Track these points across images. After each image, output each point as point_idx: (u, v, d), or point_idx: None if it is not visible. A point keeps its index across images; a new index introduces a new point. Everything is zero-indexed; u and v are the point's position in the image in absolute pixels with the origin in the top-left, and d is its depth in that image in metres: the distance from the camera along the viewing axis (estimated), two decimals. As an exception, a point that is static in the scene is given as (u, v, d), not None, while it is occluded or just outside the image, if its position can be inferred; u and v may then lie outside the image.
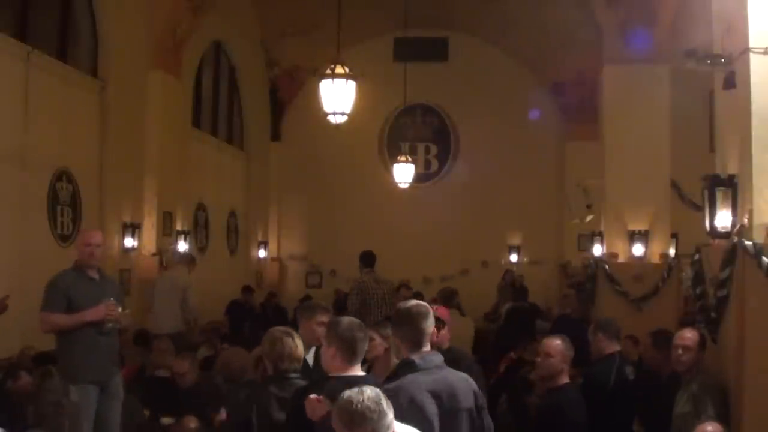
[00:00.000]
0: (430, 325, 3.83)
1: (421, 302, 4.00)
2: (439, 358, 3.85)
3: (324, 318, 5.07)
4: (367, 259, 9.06)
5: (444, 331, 4.93)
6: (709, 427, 4.25)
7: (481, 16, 16.04)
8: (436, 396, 3.64)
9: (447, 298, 8.45)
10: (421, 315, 3.82)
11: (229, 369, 6.19)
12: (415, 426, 3.29)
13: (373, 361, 4.96)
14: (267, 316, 13.89)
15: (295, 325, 5.02)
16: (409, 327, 3.80)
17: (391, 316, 4.10)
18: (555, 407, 5.04)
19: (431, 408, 3.59)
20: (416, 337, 3.78)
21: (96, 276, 6.14)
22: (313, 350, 5.01)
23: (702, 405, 4.94)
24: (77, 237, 6.34)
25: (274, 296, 15.33)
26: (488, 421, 3.94)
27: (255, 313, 13.73)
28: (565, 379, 5.16)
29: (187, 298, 10.07)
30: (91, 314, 5.87)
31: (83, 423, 5.67)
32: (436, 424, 3.59)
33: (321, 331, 4.87)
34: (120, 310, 6.03)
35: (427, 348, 3.82)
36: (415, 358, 3.75)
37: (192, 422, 5.40)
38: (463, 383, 3.85)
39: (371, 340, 4.71)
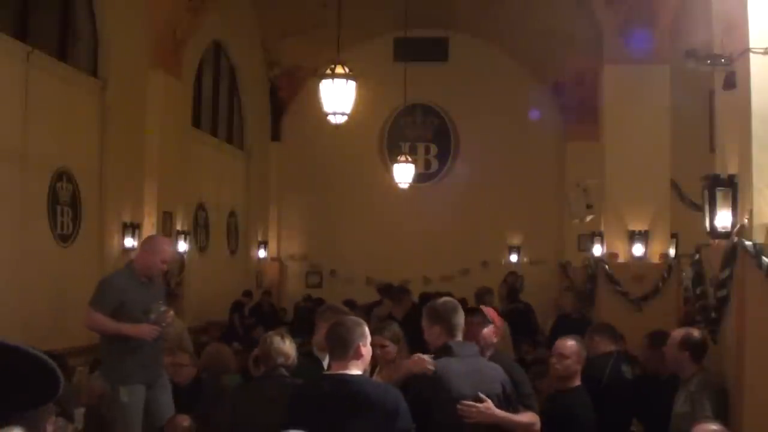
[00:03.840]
0: (460, 318, 4.25)
1: (450, 299, 4.46)
2: (473, 349, 4.27)
3: None
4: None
5: (488, 330, 4.79)
6: (713, 426, 4.22)
7: (482, 16, 16.03)
8: (465, 379, 4.06)
9: (480, 297, 8.50)
10: (450, 310, 4.25)
11: (211, 365, 6.20)
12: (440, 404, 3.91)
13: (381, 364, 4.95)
14: (263, 315, 13.95)
15: (293, 325, 5.02)
16: (442, 320, 4.21)
17: (426, 311, 4.37)
18: (574, 409, 5.00)
19: (456, 391, 4.00)
20: (449, 329, 4.19)
21: (146, 280, 6.06)
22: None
23: (700, 405, 4.94)
24: (151, 245, 6.15)
25: (268, 294, 15.37)
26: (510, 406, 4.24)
27: (246, 316, 13.86)
28: (577, 382, 5.14)
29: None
30: (133, 331, 5.77)
31: (135, 423, 5.70)
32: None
33: None
34: (172, 314, 6.00)
35: (459, 338, 4.22)
36: (452, 344, 4.17)
37: (185, 420, 5.38)
38: (492, 372, 4.26)
39: (383, 346, 4.71)
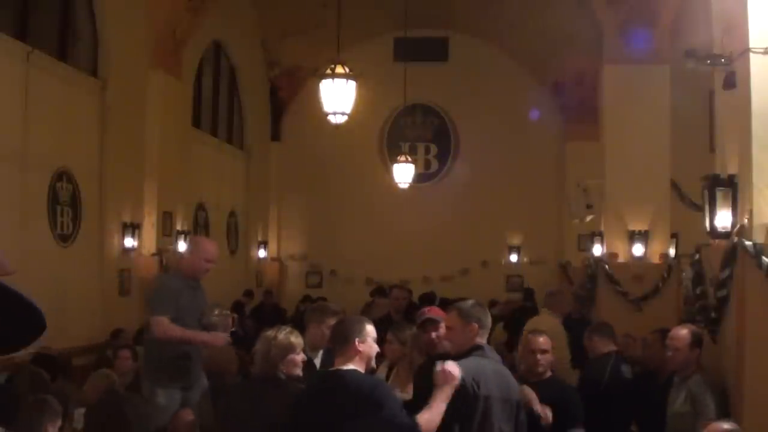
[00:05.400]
0: (489, 319, 4.36)
1: (477, 302, 4.48)
2: (496, 353, 4.38)
3: (333, 321, 5.07)
4: None
5: (440, 332, 4.83)
6: (726, 426, 4.21)
7: (481, 16, 16.04)
8: (494, 381, 4.11)
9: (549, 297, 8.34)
10: (481, 310, 4.34)
11: (214, 368, 6.18)
12: (465, 401, 3.91)
13: (396, 364, 4.97)
14: (264, 315, 13.96)
15: (294, 323, 5.01)
16: (478, 319, 4.26)
17: (458, 311, 4.36)
18: (568, 393, 5.09)
19: (485, 390, 4.04)
20: (482, 329, 4.26)
21: (194, 283, 5.98)
22: (321, 353, 5.00)
23: (702, 405, 4.93)
24: (194, 245, 6.09)
25: (270, 295, 15.38)
26: (523, 416, 4.31)
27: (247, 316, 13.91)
28: (550, 372, 5.22)
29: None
30: (209, 339, 5.65)
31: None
32: (486, 404, 4.02)
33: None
34: (235, 317, 5.94)
35: (484, 340, 4.29)
36: (484, 345, 4.24)
37: (189, 415, 5.36)
38: (512, 378, 4.33)
39: (389, 343, 4.75)
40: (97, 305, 9.99)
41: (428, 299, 13.35)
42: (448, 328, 4.41)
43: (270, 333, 4.33)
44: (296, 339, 4.32)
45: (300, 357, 4.33)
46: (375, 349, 3.98)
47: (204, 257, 5.93)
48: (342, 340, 3.87)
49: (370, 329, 3.93)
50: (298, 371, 4.32)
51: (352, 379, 3.77)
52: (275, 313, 14.30)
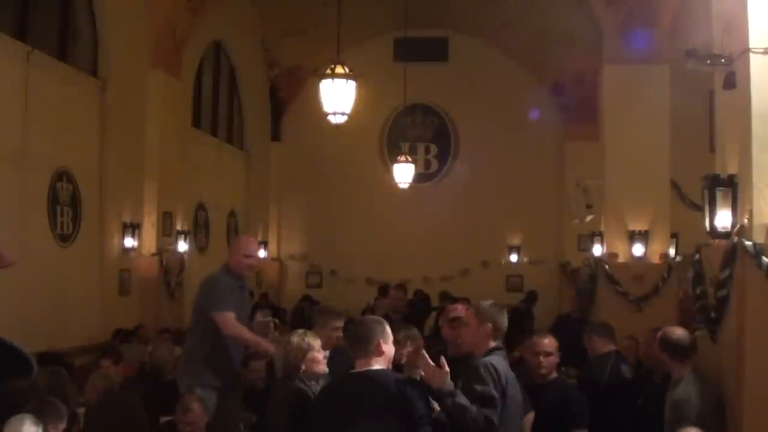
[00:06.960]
0: (506, 321, 4.38)
1: (496, 303, 4.49)
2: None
3: (339, 323, 5.14)
4: None
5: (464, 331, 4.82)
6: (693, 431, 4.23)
7: (481, 16, 16.03)
8: (513, 381, 4.22)
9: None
10: (500, 312, 4.38)
11: None
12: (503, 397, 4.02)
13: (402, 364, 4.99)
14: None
15: (293, 324, 5.04)
16: (494, 320, 4.30)
17: (476, 312, 4.42)
18: (571, 394, 5.13)
19: (512, 389, 4.18)
20: (497, 330, 4.31)
21: (240, 282, 5.90)
22: (327, 354, 5.03)
23: (681, 412, 4.90)
24: (233, 244, 6.05)
25: (265, 297, 15.36)
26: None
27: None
28: (555, 373, 5.25)
29: None
30: (269, 349, 5.49)
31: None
32: (512, 402, 4.14)
33: (335, 336, 4.95)
34: (277, 323, 5.90)
35: (498, 342, 4.33)
36: (502, 347, 4.30)
37: (195, 401, 5.35)
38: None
39: (396, 343, 4.78)
40: (97, 305, 9.99)
41: (427, 297, 13.40)
42: (464, 324, 4.42)
43: (285, 338, 4.47)
44: (312, 339, 4.50)
45: (321, 354, 4.48)
46: (393, 350, 4.03)
47: (242, 253, 5.86)
48: (364, 341, 3.87)
49: (389, 331, 3.98)
50: (322, 368, 4.47)
51: (382, 380, 3.80)
52: (272, 315, 14.28)
